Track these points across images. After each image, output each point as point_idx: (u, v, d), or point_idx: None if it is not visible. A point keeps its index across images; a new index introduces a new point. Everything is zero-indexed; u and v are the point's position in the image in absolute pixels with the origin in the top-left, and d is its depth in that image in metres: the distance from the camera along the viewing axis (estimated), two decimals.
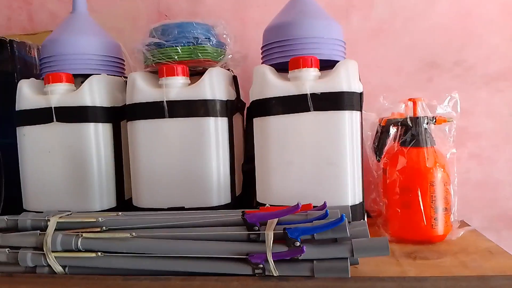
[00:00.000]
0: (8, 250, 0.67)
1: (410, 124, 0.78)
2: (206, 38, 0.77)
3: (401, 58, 1.00)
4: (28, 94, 0.79)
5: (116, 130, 0.81)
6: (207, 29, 0.77)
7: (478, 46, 0.97)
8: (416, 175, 0.76)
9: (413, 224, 0.77)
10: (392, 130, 0.81)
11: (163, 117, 0.74)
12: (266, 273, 0.61)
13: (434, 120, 0.79)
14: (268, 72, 0.73)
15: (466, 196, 0.99)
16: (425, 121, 0.78)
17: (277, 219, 0.63)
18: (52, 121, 0.77)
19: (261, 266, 0.61)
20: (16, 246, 0.67)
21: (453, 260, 0.69)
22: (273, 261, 0.60)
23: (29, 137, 0.79)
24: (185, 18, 0.90)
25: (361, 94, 0.73)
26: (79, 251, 0.66)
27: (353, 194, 0.72)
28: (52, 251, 0.66)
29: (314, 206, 0.66)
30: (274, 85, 0.72)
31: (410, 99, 0.81)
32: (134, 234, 0.65)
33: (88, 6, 0.99)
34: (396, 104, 0.84)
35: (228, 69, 0.84)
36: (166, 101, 0.74)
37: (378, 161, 0.82)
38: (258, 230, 0.62)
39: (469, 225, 0.89)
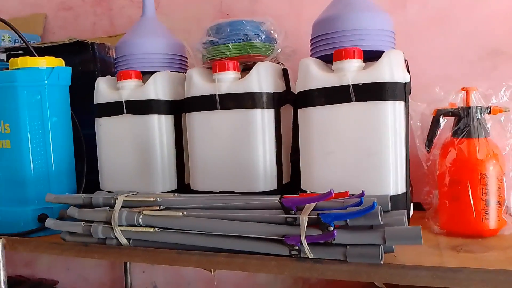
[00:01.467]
0: (83, 223, 0.79)
1: (462, 115, 0.76)
2: (255, 35, 0.82)
3: (462, 47, 0.96)
4: (103, 89, 0.91)
5: (177, 121, 0.90)
6: (256, 26, 0.82)
7: None
8: (466, 167, 0.74)
9: (462, 217, 0.75)
10: (443, 121, 0.79)
11: (215, 109, 0.81)
12: (301, 255, 0.65)
13: (489, 110, 0.76)
14: (312, 64, 0.76)
15: None
16: (478, 111, 0.76)
17: (314, 204, 0.66)
18: (123, 113, 0.88)
19: (297, 248, 0.65)
20: (90, 220, 0.79)
21: (500, 254, 0.67)
22: (308, 243, 0.64)
23: (104, 128, 0.91)
24: (245, 16, 0.96)
25: (405, 84, 0.73)
26: (140, 226, 0.75)
27: (394, 184, 0.72)
28: (118, 225, 0.76)
29: (352, 195, 0.69)
30: (316, 77, 0.75)
31: (463, 88, 0.78)
32: (185, 213, 0.72)
33: (159, 10, 1.10)
34: (452, 94, 0.82)
35: (278, 63, 0.88)
36: (218, 94, 0.80)
37: (428, 152, 0.80)
38: (295, 214, 0.66)
39: None
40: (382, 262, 0.61)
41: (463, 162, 0.75)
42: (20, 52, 1.07)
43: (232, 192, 0.81)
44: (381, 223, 0.61)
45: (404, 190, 0.74)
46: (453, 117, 0.79)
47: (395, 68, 0.72)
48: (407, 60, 0.80)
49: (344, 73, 0.73)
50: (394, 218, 0.65)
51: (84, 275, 1.37)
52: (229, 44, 0.82)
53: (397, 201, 0.72)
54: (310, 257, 0.65)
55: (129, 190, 0.88)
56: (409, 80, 0.76)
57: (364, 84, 0.72)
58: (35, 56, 0.93)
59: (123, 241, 0.77)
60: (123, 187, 0.89)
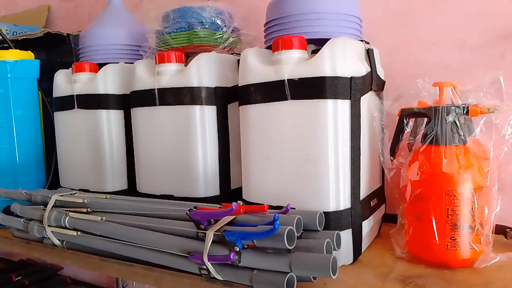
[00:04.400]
0: (23, 220, 0.77)
1: (431, 116, 0.62)
2: (198, 22, 0.73)
3: (464, 30, 0.79)
4: (61, 82, 0.89)
5: (129, 117, 0.84)
6: (198, 12, 0.74)
7: None
8: (429, 181, 0.60)
9: (423, 241, 0.62)
10: (407, 122, 0.65)
11: (155, 104, 0.74)
12: (211, 275, 0.57)
13: (465, 110, 0.61)
14: (251, 56, 0.66)
15: None
16: (451, 112, 0.61)
17: (232, 218, 0.58)
18: (74, 107, 0.85)
19: (204, 267, 0.57)
20: (29, 218, 0.77)
21: None
22: (215, 263, 0.56)
23: (60, 122, 0.90)
24: (227, 1, 0.87)
25: (351, 79, 0.60)
26: (67, 228, 0.71)
27: (336, 197, 0.61)
28: (49, 226, 0.73)
29: (276, 207, 0.59)
30: (254, 70, 0.65)
31: (435, 84, 0.64)
32: (104, 218, 0.67)
33: None
34: (430, 90, 0.67)
35: (233, 53, 0.79)
36: (157, 88, 0.74)
37: (392, 160, 0.67)
38: (205, 228, 0.58)
39: None
40: None
41: (426, 175, 0.61)
42: (5, 45, 1.09)
43: (171, 197, 0.74)
44: (288, 247, 0.51)
45: (348, 206, 0.62)
46: (424, 119, 0.64)
47: (339, 60, 0.60)
48: (370, 50, 0.67)
49: (280, 66, 0.62)
50: (318, 241, 0.55)
51: None
52: (171, 34, 0.75)
53: (339, 219, 0.61)
54: (217, 278, 0.57)
55: (84, 187, 0.86)
56: (364, 74, 0.64)
57: (300, 79, 0.60)
58: (11, 48, 0.93)
59: (56, 241, 0.74)
60: (79, 184, 0.87)
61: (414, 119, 0.67)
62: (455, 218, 0.59)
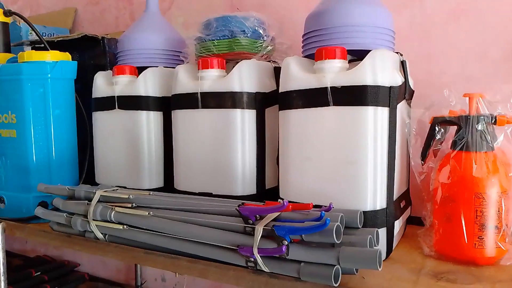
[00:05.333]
0: (66, 214, 0.81)
1: (461, 124, 0.67)
2: (241, 31, 0.78)
3: (485, 43, 0.84)
4: (100, 84, 0.93)
5: (167, 118, 0.88)
6: (241, 22, 0.78)
7: None
8: (460, 184, 0.65)
9: (453, 240, 0.66)
10: (440, 130, 0.70)
11: (197, 107, 0.79)
12: (257, 268, 0.62)
13: (494, 120, 0.66)
14: (293, 64, 0.71)
15: None
16: (480, 121, 0.66)
17: (277, 214, 0.62)
18: (115, 108, 0.89)
19: (252, 259, 0.61)
20: (72, 212, 0.81)
21: None
22: (263, 256, 0.60)
23: (99, 122, 0.94)
24: (254, 10, 0.92)
25: (391, 88, 0.65)
26: (112, 222, 0.75)
27: (372, 198, 0.65)
28: (93, 220, 0.77)
29: (317, 206, 0.63)
30: (296, 77, 0.70)
31: (465, 94, 0.69)
32: (151, 213, 0.71)
33: (175, 4, 1.09)
34: (459, 99, 0.72)
35: (269, 61, 0.83)
36: (200, 92, 0.78)
37: (422, 164, 0.72)
38: (253, 224, 0.62)
39: None
40: (335, 284, 0.56)
41: (457, 178, 0.66)
42: (42, 46, 1.12)
43: (210, 195, 0.78)
44: (336, 242, 0.55)
45: (384, 206, 0.66)
46: (455, 127, 0.69)
47: (379, 71, 0.64)
48: (403, 61, 0.72)
49: (323, 74, 0.67)
50: (358, 236, 0.59)
51: (104, 260, 1.43)
52: (214, 41, 0.79)
53: (375, 217, 0.65)
54: (264, 270, 0.61)
55: (120, 184, 0.90)
56: (400, 84, 0.68)
57: (342, 87, 0.65)
58: (48, 50, 0.97)
59: (99, 235, 0.78)
60: (115, 182, 0.91)
61: (442, 127, 0.72)
62: (483, 219, 0.64)
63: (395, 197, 0.70)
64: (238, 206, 0.64)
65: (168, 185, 0.89)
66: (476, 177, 0.64)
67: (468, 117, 0.66)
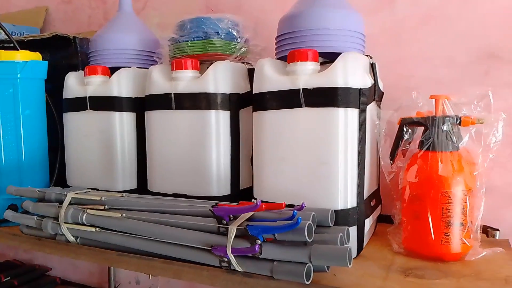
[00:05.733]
0: (36, 217, 0.79)
1: (428, 125, 0.69)
2: (215, 32, 0.78)
3: (453, 48, 0.87)
4: (72, 84, 0.91)
5: (141, 119, 0.88)
6: (215, 23, 0.79)
7: None
8: (427, 183, 0.68)
9: (420, 237, 0.69)
10: (408, 131, 0.72)
11: (171, 108, 0.79)
12: (231, 267, 0.62)
13: (459, 120, 0.69)
14: (267, 66, 0.72)
15: None
16: (446, 122, 0.68)
17: (251, 214, 0.63)
18: (87, 109, 0.88)
19: (226, 259, 0.62)
20: (42, 215, 0.79)
21: (451, 283, 0.60)
22: (236, 256, 0.61)
23: (71, 123, 0.92)
24: (231, 11, 0.93)
25: (361, 90, 0.67)
26: (84, 224, 0.74)
27: (343, 197, 0.67)
28: (65, 222, 0.76)
29: (290, 206, 0.64)
30: (270, 79, 0.71)
31: (432, 96, 0.71)
32: (124, 215, 0.71)
33: (149, 4, 1.08)
34: (427, 101, 0.74)
35: (243, 62, 0.84)
36: (174, 93, 0.78)
37: (391, 164, 0.74)
38: (226, 224, 0.63)
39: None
40: (307, 282, 0.57)
41: (424, 177, 0.68)
42: (11, 45, 1.10)
43: (184, 196, 0.79)
44: (308, 240, 0.57)
45: (355, 204, 0.68)
46: (422, 128, 0.72)
47: (350, 73, 0.66)
48: (373, 64, 0.74)
49: (296, 76, 0.68)
50: (331, 235, 0.61)
51: (75, 264, 1.41)
52: (188, 42, 0.79)
53: (346, 216, 0.67)
54: (238, 269, 0.61)
55: (92, 186, 0.89)
56: (369, 86, 0.70)
57: (314, 89, 0.67)
58: (17, 49, 0.95)
59: (70, 238, 0.76)
60: (87, 183, 0.90)
61: (410, 128, 0.74)
62: (449, 216, 0.66)
63: (365, 196, 0.72)
64: (212, 206, 0.64)
65: (142, 187, 0.88)
66: (442, 176, 0.66)
67: (434, 118, 0.69)
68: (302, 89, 0.67)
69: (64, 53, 1.07)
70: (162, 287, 1.29)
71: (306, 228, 0.56)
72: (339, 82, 0.66)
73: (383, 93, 0.80)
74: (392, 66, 0.91)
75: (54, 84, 1.00)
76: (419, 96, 0.74)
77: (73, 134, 0.92)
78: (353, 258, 0.70)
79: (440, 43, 0.89)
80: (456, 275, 0.63)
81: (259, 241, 0.59)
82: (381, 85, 0.79)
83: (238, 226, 0.61)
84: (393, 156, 0.73)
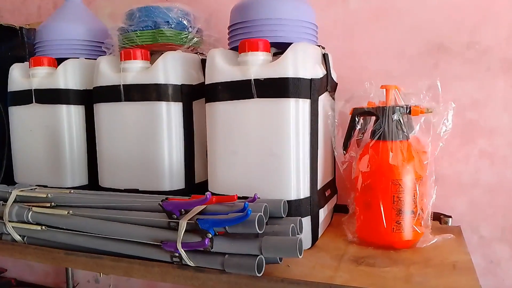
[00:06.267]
0: None
1: (379, 115, 0.70)
2: (165, 22, 0.76)
3: (403, 41, 0.89)
4: (16, 76, 0.87)
5: (90, 112, 0.85)
6: (165, 12, 0.76)
7: (495, 26, 0.82)
8: (378, 172, 0.68)
9: (373, 226, 0.69)
10: (359, 120, 0.73)
11: (120, 100, 0.76)
12: (183, 263, 0.61)
13: (408, 110, 0.69)
14: (218, 56, 0.70)
15: (474, 200, 0.86)
16: (396, 111, 0.69)
17: (202, 208, 0.61)
18: (32, 102, 0.84)
19: (177, 254, 0.60)
20: None
21: (401, 270, 0.61)
22: (187, 251, 0.59)
23: (16, 117, 0.88)
24: (185, 1, 0.90)
25: (311, 80, 0.66)
26: (30, 223, 0.71)
27: (296, 188, 0.67)
28: (10, 221, 0.72)
29: (242, 198, 0.64)
30: (221, 70, 0.69)
31: (382, 86, 0.72)
32: (71, 212, 0.68)
33: None
34: (378, 92, 0.75)
35: (196, 53, 0.82)
36: (122, 84, 0.75)
37: (344, 154, 0.74)
38: (177, 218, 0.61)
39: (463, 233, 0.78)
40: (259, 274, 0.56)
41: (375, 166, 0.69)
42: None
43: (136, 191, 0.76)
44: (259, 232, 0.56)
45: (308, 195, 0.68)
46: (371, 118, 0.72)
47: (300, 63, 0.66)
48: (325, 54, 0.74)
49: (247, 67, 0.67)
50: (283, 226, 0.60)
51: (29, 264, 1.35)
52: (137, 32, 0.77)
53: (299, 207, 0.67)
54: (189, 264, 0.60)
55: (41, 183, 0.85)
56: (321, 76, 0.70)
57: (265, 79, 0.66)
58: None
59: (16, 237, 0.73)
60: (35, 180, 0.86)
61: (363, 118, 0.75)
62: (400, 204, 0.67)
63: (319, 186, 0.72)
64: (162, 201, 0.62)
65: (93, 183, 0.85)
66: (393, 165, 0.67)
67: (385, 107, 0.69)
68: (254, 79, 0.66)
69: (10, 44, 1.01)
70: (122, 285, 1.26)
71: (256, 220, 0.55)
72: (290, 73, 0.65)
73: (336, 84, 0.81)
74: (345, 58, 0.92)
75: (0, 77, 0.95)
76: (371, 87, 0.75)
77: (19, 129, 0.87)
78: (308, 249, 0.70)
79: (391, 36, 0.90)
80: (406, 262, 0.64)
81: (210, 235, 0.58)
82: (334, 76, 0.79)
83: (188, 220, 0.59)
84: (345, 146, 0.74)
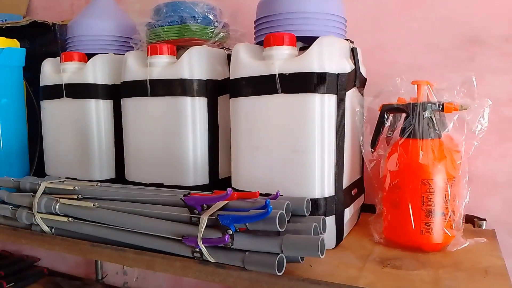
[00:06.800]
0: (11, 207, 0.78)
1: (409, 112, 0.67)
2: (191, 17, 0.76)
3: (436, 34, 0.85)
4: (48, 71, 0.89)
5: (118, 107, 0.85)
6: (191, 7, 0.76)
7: None
8: (407, 171, 0.66)
9: (400, 227, 0.67)
10: (388, 117, 0.70)
11: (146, 95, 0.76)
12: (204, 258, 0.60)
13: (441, 107, 0.66)
14: (242, 51, 0.69)
15: (511, 201, 0.81)
16: (427, 108, 0.66)
17: (224, 204, 0.61)
18: (63, 96, 0.86)
19: (198, 250, 0.60)
20: (17, 205, 0.78)
21: (429, 274, 0.59)
22: (208, 246, 0.59)
23: (47, 111, 0.90)
24: None
25: (338, 75, 0.64)
26: (57, 214, 0.73)
27: (321, 186, 0.65)
28: (38, 212, 0.74)
29: (264, 195, 0.63)
30: (245, 64, 0.68)
31: (413, 82, 0.69)
32: (96, 204, 0.69)
33: None
34: (410, 88, 0.72)
35: (223, 48, 0.82)
36: (149, 79, 0.76)
37: (372, 151, 0.72)
38: (198, 213, 0.61)
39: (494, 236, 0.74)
40: (279, 273, 0.55)
41: (404, 165, 0.66)
42: None
43: (161, 185, 0.77)
44: (280, 230, 0.55)
45: (332, 193, 0.66)
46: (402, 115, 0.69)
47: (326, 57, 0.64)
48: (354, 49, 0.72)
49: (272, 61, 0.66)
50: (305, 224, 0.59)
51: (62, 254, 1.39)
52: (164, 27, 0.77)
53: (323, 205, 0.65)
54: (210, 260, 0.60)
55: (70, 176, 0.87)
56: (348, 71, 0.68)
57: (290, 74, 0.64)
58: None
59: (45, 228, 0.75)
60: (65, 173, 0.88)
61: (392, 114, 0.72)
62: (430, 206, 0.64)
63: (345, 185, 0.70)
64: (184, 196, 0.62)
65: (120, 176, 0.86)
66: (423, 164, 0.64)
67: (416, 104, 0.66)
68: (278, 74, 0.65)
69: (44, 40, 1.04)
70: (149, 278, 1.28)
71: (277, 217, 0.54)
72: (315, 67, 0.63)
73: (365, 79, 0.78)
74: (374, 52, 0.89)
75: (34, 72, 0.98)
76: (402, 82, 0.72)
77: (50, 123, 0.90)
78: (332, 248, 0.69)
79: (422, 29, 0.86)
80: (434, 265, 0.61)
81: (231, 231, 0.58)
82: (363, 71, 0.77)
83: (209, 216, 0.59)
84: (373, 143, 0.71)
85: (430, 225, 0.65)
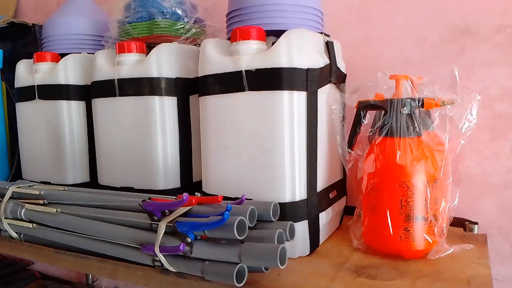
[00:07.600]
0: None
1: (386, 108, 0.62)
2: (160, 12, 0.72)
3: (424, 26, 0.80)
4: (22, 73, 0.87)
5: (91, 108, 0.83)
6: (159, 2, 0.73)
7: None
8: (383, 173, 0.61)
9: (378, 232, 0.62)
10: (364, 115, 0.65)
11: (115, 95, 0.73)
12: (165, 267, 0.57)
13: (421, 103, 0.61)
14: (209, 46, 0.66)
15: (505, 203, 0.76)
16: (406, 105, 0.61)
17: (187, 210, 0.57)
18: (35, 98, 0.83)
19: (157, 258, 0.56)
20: None
21: (405, 285, 0.54)
22: (168, 255, 0.56)
23: (22, 113, 0.88)
24: None
25: (308, 70, 0.60)
26: (23, 220, 0.70)
27: (291, 189, 0.61)
28: (5, 218, 0.72)
29: (230, 198, 0.59)
30: (212, 61, 0.65)
31: (391, 76, 0.64)
32: (59, 210, 0.66)
33: None
34: (389, 83, 0.67)
35: (196, 44, 0.78)
36: (117, 79, 0.73)
37: (350, 152, 0.67)
38: (158, 220, 0.57)
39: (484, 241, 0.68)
40: (238, 284, 0.51)
41: (381, 166, 0.61)
42: None
43: (131, 189, 0.73)
44: (238, 237, 0.51)
45: (304, 197, 0.62)
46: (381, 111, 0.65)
47: (295, 52, 0.59)
48: (329, 42, 0.67)
49: (238, 57, 0.62)
50: (270, 231, 0.55)
51: None
52: (132, 24, 0.74)
53: (294, 209, 0.61)
54: (170, 269, 0.56)
55: (45, 179, 0.85)
56: (321, 66, 0.64)
57: (257, 70, 0.60)
58: None
59: (13, 234, 0.72)
60: (40, 177, 0.86)
61: (375, 111, 0.67)
62: (409, 209, 0.60)
63: (320, 187, 0.65)
64: (143, 201, 0.59)
65: (94, 180, 0.83)
66: (400, 165, 0.60)
67: (393, 100, 0.62)
68: (245, 70, 0.61)
69: (25, 41, 1.03)
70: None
71: (235, 224, 0.51)
72: (283, 62, 0.59)
73: (345, 75, 0.73)
74: (359, 46, 0.84)
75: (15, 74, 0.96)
76: (385, 78, 0.67)
77: (24, 125, 0.87)
78: (306, 255, 0.64)
79: (410, 22, 0.81)
80: (413, 275, 0.57)
81: (189, 239, 0.54)
82: (342, 66, 0.72)
83: (168, 222, 0.55)
84: (350, 143, 0.67)
85: (409, 230, 0.60)
